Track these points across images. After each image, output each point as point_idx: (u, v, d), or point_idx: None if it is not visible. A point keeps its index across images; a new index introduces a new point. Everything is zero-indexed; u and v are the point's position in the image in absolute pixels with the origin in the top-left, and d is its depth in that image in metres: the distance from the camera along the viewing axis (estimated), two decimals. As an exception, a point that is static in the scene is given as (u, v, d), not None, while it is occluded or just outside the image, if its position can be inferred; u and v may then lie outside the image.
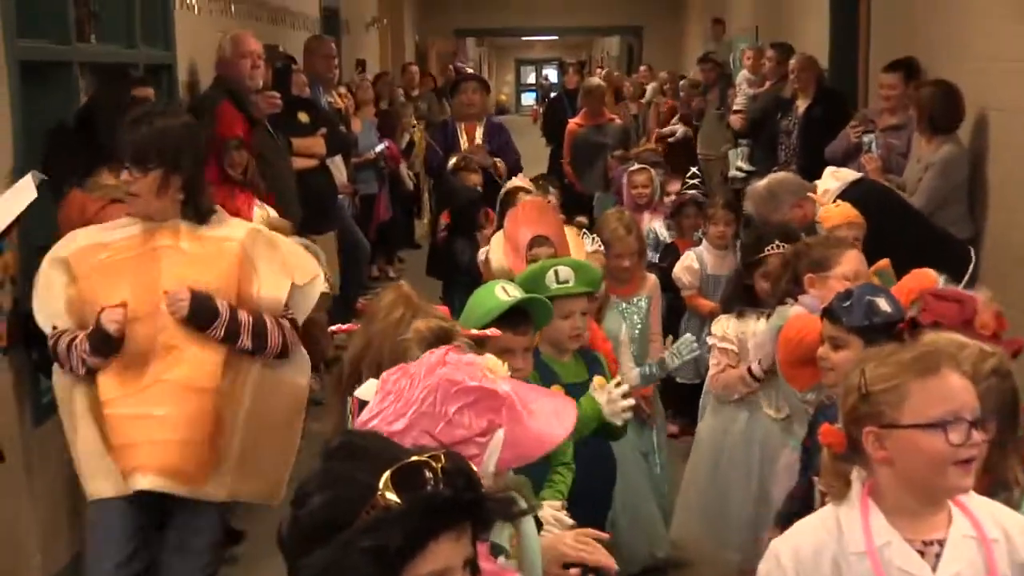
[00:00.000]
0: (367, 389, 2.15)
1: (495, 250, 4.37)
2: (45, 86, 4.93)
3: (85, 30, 5.42)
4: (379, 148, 10.20)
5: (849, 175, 5.38)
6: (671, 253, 6.34)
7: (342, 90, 9.96)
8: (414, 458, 1.61)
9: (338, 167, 8.20)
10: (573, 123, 9.84)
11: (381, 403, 2.04)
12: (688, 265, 5.98)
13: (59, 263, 3.59)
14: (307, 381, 3.84)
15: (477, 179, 7.15)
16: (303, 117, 7.40)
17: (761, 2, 13.06)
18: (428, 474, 1.58)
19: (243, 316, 3.56)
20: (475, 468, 1.69)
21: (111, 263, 3.55)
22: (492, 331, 2.91)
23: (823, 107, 8.09)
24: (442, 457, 1.61)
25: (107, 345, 3.46)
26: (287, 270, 3.73)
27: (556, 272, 3.61)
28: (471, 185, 7.09)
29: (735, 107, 10.34)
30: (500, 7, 21.65)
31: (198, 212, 3.64)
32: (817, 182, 5.34)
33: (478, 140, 7.78)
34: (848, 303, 3.23)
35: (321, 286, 3.87)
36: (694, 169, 7.35)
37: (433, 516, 1.57)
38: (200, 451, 3.51)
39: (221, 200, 4.97)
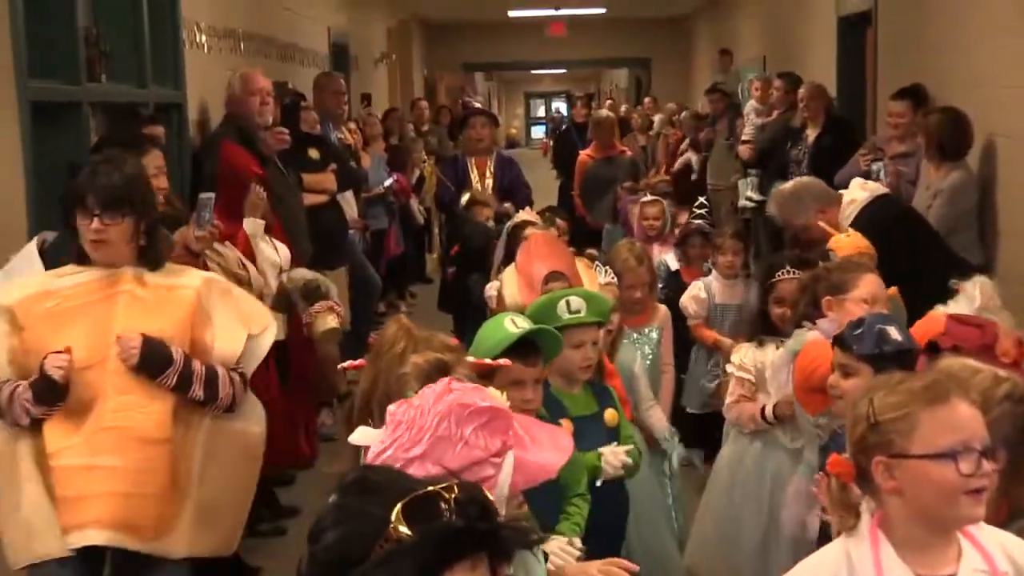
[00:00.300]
0: (361, 435, 2.16)
1: (509, 285, 4.36)
2: (56, 126, 4.97)
3: (96, 70, 5.47)
4: (388, 182, 10.23)
5: (878, 188, 5.37)
6: (675, 282, 6.34)
7: (352, 126, 10.01)
8: (427, 489, 1.60)
9: (348, 202, 8.22)
10: (584, 155, 9.86)
11: (393, 433, 2.05)
12: (695, 295, 5.99)
13: (1, 312, 3.45)
14: (261, 429, 3.71)
15: (489, 212, 7.20)
16: (313, 153, 7.44)
17: (768, 32, 13.12)
18: (441, 505, 1.58)
19: (196, 365, 3.46)
20: (491, 490, 1.68)
21: (60, 311, 3.42)
22: (504, 360, 2.91)
23: (832, 136, 8.10)
24: (455, 488, 1.61)
25: (52, 393, 3.33)
26: (242, 320, 3.64)
27: (568, 302, 3.60)
28: (483, 219, 7.12)
29: (744, 137, 10.35)
30: (508, 41, 21.76)
31: (155, 259, 3.56)
32: (843, 191, 5.33)
33: (489, 174, 7.81)
34: (859, 331, 3.22)
35: (273, 336, 3.73)
36: (701, 199, 7.36)
37: (445, 547, 1.56)
38: (155, 505, 3.37)
39: (229, 236, 5.01)
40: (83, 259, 3.51)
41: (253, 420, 3.68)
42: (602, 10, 19.38)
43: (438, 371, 2.45)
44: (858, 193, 5.22)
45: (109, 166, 3.51)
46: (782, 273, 4.43)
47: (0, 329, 3.42)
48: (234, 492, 3.61)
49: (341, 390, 5.96)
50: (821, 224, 5.13)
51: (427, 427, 2.01)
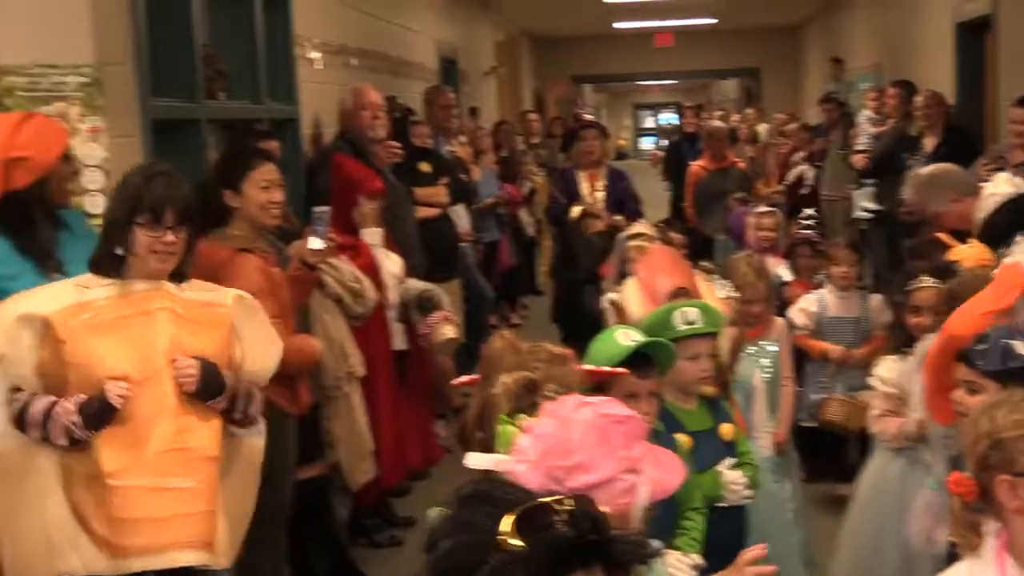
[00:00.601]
0: (477, 459, 2.17)
1: (632, 299, 4.34)
2: (175, 143, 5.08)
3: (213, 88, 5.59)
4: (498, 193, 10.28)
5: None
6: (785, 294, 6.25)
7: (462, 139, 10.07)
8: (538, 501, 1.60)
9: (459, 215, 8.28)
10: (696, 166, 9.78)
11: (541, 445, 2.05)
12: (804, 308, 5.91)
13: (33, 322, 3.27)
14: (262, 443, 3.67)
15: (600, 225, 7.23)
16: (424, 167, 7.50)
17: (882, 39, 12.90)
18: (552, 517, 1.57)
19: (240, 387, 3.47)
20: (636, 498, 1.67)
21: (97, 324, 3.31)
22: (621, 369, 2.91)
23: (952, 145, 7.92)
24: (568, 500, 1.61)
25: (105, 419, 3.25)
26: (272, 338, 3.62)
27: (684, 313, 3.59)
28: (594, 232, 7.14)
29: (858, 147, 10.19)
30: (616, 53, 21.73)
31: (183, 274, 3.52)
32: (985, 184, 5.19)
33: (600, 187, 7.81)
34: (983, 347, 3.14)
35: (281, 349, 3.70)
36: (809, 211, 7.25)
37: (556, 559, 1.55)
38: (215, 521, 3.37)
39: (345, 249, 5.08)
40: (106, 270, 3.40)
41: (255, 432, 3.66)
42: (712, 20, 19.23)
43: (526, 389, 2.46)
44: (1003, 187, 5.06)
45: (173, 179, 3.46)
46: (918, 282, 4.35)
47: (25, 340, 3.27)
48: (242, 502, 3.59)
49: (455, 403, 6.01)
50: (940, 235, 5.02)
51: (576, 438, 2.03)
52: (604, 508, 1.66)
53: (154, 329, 3.36)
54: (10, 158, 3.60)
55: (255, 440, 3.65)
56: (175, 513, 3.28)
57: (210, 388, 3.36)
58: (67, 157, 3.88)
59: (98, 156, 4.31)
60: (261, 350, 3.58)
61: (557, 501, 1.60)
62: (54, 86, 4.32)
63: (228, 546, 3.43)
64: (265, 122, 6.00)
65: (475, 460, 2.17)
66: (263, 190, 4.43)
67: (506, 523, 1.56)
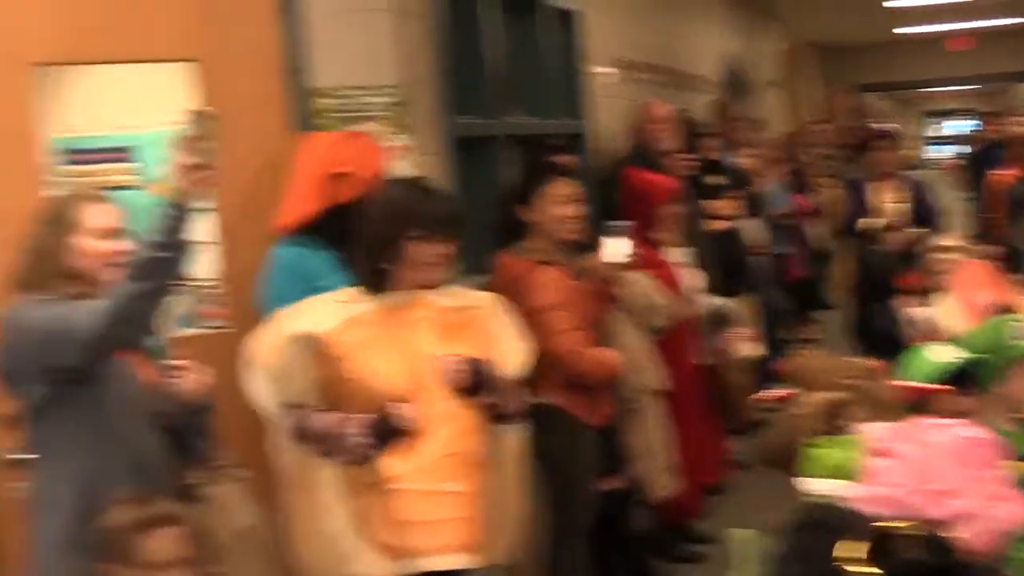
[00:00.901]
0: (818, 485, 2.11)
1: (949, 314, 4.18)
2: (474, 158, 5.23)
3: (507, 105, 5.72)
4: (788, 205, 10.09)
5: None
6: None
7: (750, 151, 9.93)
8: (887, 526, 1.59)
9: (752, 228, 8.18)
10: (1006, 175, 9.32)
11: (905, 465, 1.98)
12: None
13: (307, 341, 3.35)
14: (525, 437, 3.61)
15: (903, 238, 6.99)
16: (713, 179, 7.45)
17: None
18: (900, 544, 1.55)
19: (505, 382, 3.47)
20: (999, 525, 1.62)
21: (368, 339, 3.36)
22: (944, 387, 2.79)
23: None
24: (918, 526, 1.59)
25: (394, 440, 3.29)
26: (522, 337, 3.59)
27: (1017, 328, 3.40)
28: (893, 245, 6.94)
29: None
30: (904, 59, 20.99)
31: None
32: None
33: (896, 198, 7.54)
34: None
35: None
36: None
37: None
38: (479, 526, 3.38)
39: (649, 264, 5.08)
40: (373, 285, 3.43)
41: (517, 428, 3.60)
42: (1017, 20, 18.16)
43: (835, 408, 2.40)
44: None
45: (441, 192, 3.54)
46: None
47: (299, 358, 3.35)
48: (513, 500, 3.54)
49: (750, 417, 5.92)
50: None
51: (941, 462, 1.94)
52: (967, 536, 1.61)
53: (420, 338, 3.41)
54: (334, 173, 3.77)
55: (518, 435, 3.64)
56: (446, 517, 3.35)
57: (479, 382, 3.39)
58: (382, 175, 4.02)
59: (407, 174, 4.46)
60: (513, 349, 3.59)
61: (906, 527, 1.59)
62: (362, 107, 4.50)
63: (493, 549, 3.45)
64: (557, 137, 6.09)
65: (816, 485, 2.11)
66: (559, 204, 4.48)
67: (851, 549, 1.54)
